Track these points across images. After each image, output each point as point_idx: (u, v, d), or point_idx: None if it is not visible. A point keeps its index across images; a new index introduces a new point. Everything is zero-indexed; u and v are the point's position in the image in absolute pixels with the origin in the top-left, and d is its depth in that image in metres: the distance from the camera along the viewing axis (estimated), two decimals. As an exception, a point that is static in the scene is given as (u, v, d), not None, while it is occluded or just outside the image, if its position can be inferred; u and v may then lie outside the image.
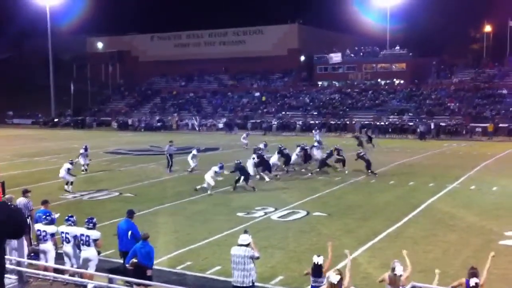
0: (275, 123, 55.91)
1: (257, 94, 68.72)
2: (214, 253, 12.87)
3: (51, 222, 11.16)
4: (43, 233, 10.99)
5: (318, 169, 24.99)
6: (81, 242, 10.58)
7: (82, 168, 25.58)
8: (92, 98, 77.44)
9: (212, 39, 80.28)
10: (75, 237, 10.71)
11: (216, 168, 20.56)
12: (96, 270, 10.34)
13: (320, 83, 70.47)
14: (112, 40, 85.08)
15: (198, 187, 20.39)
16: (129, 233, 10.66)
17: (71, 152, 30.99)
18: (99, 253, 10.80)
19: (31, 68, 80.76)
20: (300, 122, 56.01)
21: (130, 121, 63.46)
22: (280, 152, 25.61)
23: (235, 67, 74.61)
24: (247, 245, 9.12)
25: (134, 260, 10.04)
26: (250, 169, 22.36)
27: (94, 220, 10.91)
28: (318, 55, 70.68)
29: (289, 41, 74.39)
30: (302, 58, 75.20)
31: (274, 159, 24.93)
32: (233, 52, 75.74)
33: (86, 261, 10.53)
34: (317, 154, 27.04)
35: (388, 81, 66.93)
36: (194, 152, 26.11)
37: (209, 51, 78.13)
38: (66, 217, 11.14)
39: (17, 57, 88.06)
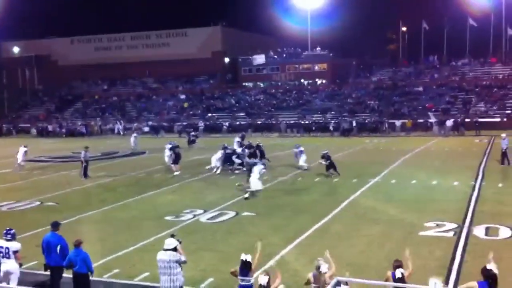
0: (202, 125, 55.79)
1: (183, 96, 68.26)
2: (141, 259, 12.66)
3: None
4: None
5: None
6: (0, 254, 10.09)
7: None
8: (9, 105, 74.08)
9: (135, 42, 78.94)
10: None
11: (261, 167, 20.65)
12: (19, 283, 9.90)
13: (245, 84, 71.04)
14: (29, 44, 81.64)
15: (246, 195, 19.69)
16: (58, 247, 10.26)
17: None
18: (20, 265, 10.35)
19: None
20: (227, 124, 56.20)
21: (50, 127, 61.21)
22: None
23: (159, 70, 73.73)
24: (173, 249, 9.04)
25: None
26: None
27: (13, 231, 10.41)
28: (243, 57, 71.23)
29: (213, 43, 74.46)
30: (227, 60, 75.49)
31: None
32: (157, 55, 74.89)
33: (7, 274, 10.05)
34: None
35: (310, 81, 68.57)
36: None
37: (132, 54, 76.78)
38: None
39: None
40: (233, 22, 76.75)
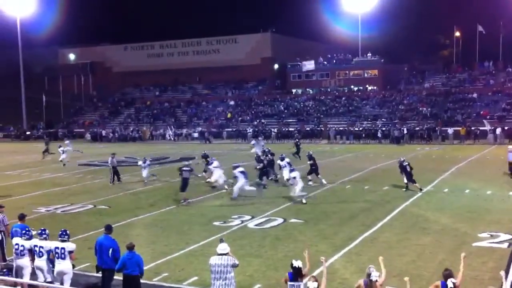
0: (250, 131, 56.03)
1: (232, 102, 68.80)
2: (190, 263, 12.78)
3: (30, 237, 10.97)
4: (21, 248, 10.79)
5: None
6: (56, 255, 10.41)
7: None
8: (65, 110, 76.56)
9: (186, 49, 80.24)
10: (49, 251, 10.53)
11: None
12: (71, 284, 10.18)
13: (294, 90, 70.95)
14: (85, 51, 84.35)
15: (304, 201, 19.89)
16: (110, 250, 10.49)
17: (43, 164, 30.54)
18: (73, 266, 10.64)
19: (1, 81, 79.51)
20: (276, 130, 56.24)
21: (103, 133, 62.85)
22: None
23: (209, 76, 74.69)
24: (227, 254, 9.09)
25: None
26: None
27: (68, 232, 10.78)
28: (292, 63, 71.19)
29: (262, 49, 74.81)
30: (276, 66, 75.65)
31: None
32: (207, 62, 75.87)
33: (61, 274, 10.35)
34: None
35: (360, 88, 67.77)
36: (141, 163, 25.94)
37: (183, 61, 78.05)
38: (39, 231, 10.97)
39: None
40: (282, 28, 77.04)
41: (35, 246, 10.68)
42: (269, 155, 25.74)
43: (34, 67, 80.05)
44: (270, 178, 24.65)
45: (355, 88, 68.17)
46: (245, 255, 13.09)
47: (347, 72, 69.75)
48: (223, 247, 9.15)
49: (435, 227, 15.70)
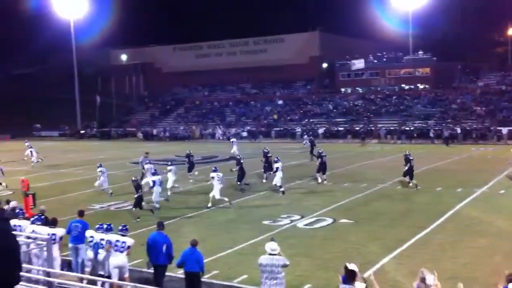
0: (299, 130, 55.81)
1: (280, 102, 68.77)
2: (240, 262, 12.86)
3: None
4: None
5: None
6: (115, 248, 10.73)
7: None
8: (117, 110, 78.41)
9: (233, 49, 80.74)
10: (110, 243, 10.87)
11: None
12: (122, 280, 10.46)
13: (343, 89, 70.25)
14: (135, 52, 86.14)
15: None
16: (164, 246, 10.70)
17: (97, 163, 31.17)
18: None
19: (57, 82, 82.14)
20: (323, 129, 55.80)
21: (154, 132, 64.03)
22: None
23: (257, 76, 74.85)
24: (277, 254, 9.07)
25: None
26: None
27: (127, 227, 11.17)
28: (340, 62, 70.47)
29: (310, 48, 74.44)
30: (324, 65, 75.11)
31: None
32: (254, 61, 76.05)
33: (118, 267, 10.66)
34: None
35: (412, 86, 66.42)
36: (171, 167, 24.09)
37: (231, 61, 78.55)
38: (99, 225, 11.34)
39: (43, 71, 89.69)
40: (331, 26, 76.28)
41: (101, 239, 11.04)
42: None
43: (87, 69, 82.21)
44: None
45: (406, 87, 66.88)
46: (294, 254, 13.04)
47: (397, 70, 68.47)
48: (273, 247, 9.13)
49: (490, 230, 15.23)
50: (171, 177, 22.51)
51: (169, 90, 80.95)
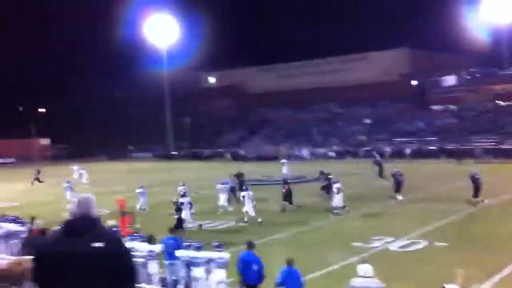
0: (389, 150, 54.45)
1: (368, 121, 67.62)
2: (330, 284, 12.60)
3: (199, 248, 11.65)
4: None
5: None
6: (215, 265, 10.96)
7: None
8: (206, 131, 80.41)
9: (319, 69, 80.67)
10: (208, 261, 11.11)
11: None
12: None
13: (434, 107, 67.91)
14: (223, 74, 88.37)
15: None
16: (255, 266, 10.74)
17: (186, 182, 31.96)
18: None
19: (150, 105, 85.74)
20: (409, 150, 53.95)
21: (242, 152, 64.96)
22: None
23: (343, 95, 74.15)
24: (371, 277, 8.78)
25: None
26: None
27: (222, 243, 11.41)
28: (431, 79, 68.29)
29: (398, 65, 72.88)
30: (414, 82, 73.10)
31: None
32: (340, 80, 75.56)
33: (219, 283, 10.84)
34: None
35: (509, 103, 62.97)
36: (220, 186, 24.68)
37: (317, 80, 78.48)
38: (215, 243, 11.63)
39: (137, 94, 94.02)
40: (419, 42, 74.27)
41: (193, 257, 11.32)
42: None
43: (178, 91, 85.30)
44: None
45: (503, 103, 63.54)
46: (387, 278, 12.54)
47: (492, 86, 65.31)
48: (366, 269, 8.84)
49: None
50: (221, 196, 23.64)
51: (256, 110, 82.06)
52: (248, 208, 20.78)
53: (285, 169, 34.63)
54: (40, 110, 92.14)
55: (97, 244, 3.72)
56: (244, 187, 22.51)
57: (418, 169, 40.16)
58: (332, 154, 57.63)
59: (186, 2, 79.22)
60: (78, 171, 42.64)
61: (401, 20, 79.39)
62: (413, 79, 72.79)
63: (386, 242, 16.49)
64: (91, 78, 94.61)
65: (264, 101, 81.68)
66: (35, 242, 12.44)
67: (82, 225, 3.82)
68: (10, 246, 15.76)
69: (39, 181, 40.26)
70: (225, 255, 11.15)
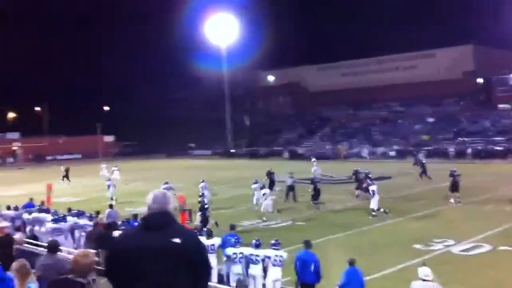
0: (452, 150, 52.82)
1: (431, 120, 65.89)
2: (389, 286, 12.37)
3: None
4: (239, 256, 11.67)
5: None
6: (273, 263, 11.03)
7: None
8: (265, 129, 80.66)
9: (381, 66, 79.19)
10: (265, 258, 11.20)
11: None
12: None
13: (500, 106, 65.31)
14: (283, 72, 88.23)
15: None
16: (312, 265, 10.72)
17: (242, 180, 32.28)
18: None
19: (209, 103, 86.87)
20: (476, 148, 52.12)
21: (300, 151, 64.73)
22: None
23: (405, 93, 72.49)
24: (431, 280, 8.58)
25: None
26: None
27: (279, 241, 11.58)
28: (497, 76, 65.74)
29: (463, 63, 70.46)
30: (479, 80, 70.55)
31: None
32: (403, 78, 73.91)
33: (275, 281, 10.92)
34: None
35: None
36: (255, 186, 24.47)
37: (378, 78, 77.06)
38: (255, 241, 11.70)
39: (197, 93, 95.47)
40: (486, 39, 71.52)
41: (251, 254, 11.43)
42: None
43: (237, 90, 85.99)
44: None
45: None
46: (448, 282, 12.23)
47: None
48: (427, 272, 8.64)
49: None
50: (256, 194, 23.70)
51: (315, 109, 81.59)
52: (265, 204, 21.69)
53: (314, 168, 34.27)
54: (105, 108, 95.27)
55: (175, 240, 3.73)
56: (254, 180, 23.89)
57: (484, 170, 38.84)
58: (393, 153, 56.47)
59: (247, 1, 79.58)
60: (105, 169, 43.24)
61: (465, 16, 76.75)
62: (478, 77, 70.24)
63: (448, 245, 16.04)
64: (153, 77, 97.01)
65: (323, 100, 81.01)
66: (107, 236, 12.89)
67: (160, 220, 3.82)
68: (76, 239, 16.44)
69: (68, 179, 40.50)
70: (282, 253, 11.20)
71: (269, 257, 11.13)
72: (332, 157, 59.63)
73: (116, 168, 40.10)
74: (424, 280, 8.56)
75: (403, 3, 78.19)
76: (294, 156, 63.32)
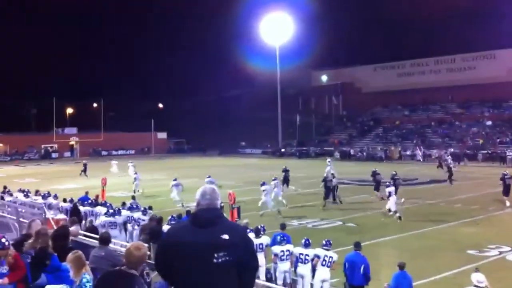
0: (510, 154, 50.95)
1: (489, 123, 63.82)
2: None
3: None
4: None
5: None
6: (323, 263, 11.01)
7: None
8: (316, 130, 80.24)
9: (438, 67, 77.27)
10: (314, 258, 11.18)
11: None
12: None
13: None
14: (335, 72, 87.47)
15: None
16: (362, 267, 10.61)
17: (292, 179, 32.13)
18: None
19: (261, 102, 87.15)
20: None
21: (352, 151, 64.01)
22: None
23: (463, 95, 70.50)
24: (485, 286, 8.33)
25: None
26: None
27: (331, 241, 11.53)
28: None
29: (526, 64, 67.81)
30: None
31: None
32: (461, 79, 71.86)
33: (323, 281, 10.88)
34: None
35: None
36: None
37: (435, 79, 75.25)
38: (304, 240, 11.69)
39: (249, 92, 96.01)
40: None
41: (301, 254, 11.46)
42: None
43: (289, 89, 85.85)
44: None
45: None
46: (504, 290, 11.87)
47: None
48: (480, 278, 8.40)
49: None
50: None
51: (368, 109, 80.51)
52: (267, 200, 22.71)
53: (328, 168, 33.94)
54: (159, 105, 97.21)
55: (223, 236, 3.79)
56: (261, 182, 23.94)
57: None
58: (448, 156, 54.96)
59: (302, 0, 79.20)
60: (115, 165, 45.07)
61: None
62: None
63: (503, 252, 15.50)
64: (206, 76, 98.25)
65: (377, 100, 79.83)
66: (159, 231, 13.19)
67: (209, 216, 3.89)
68: (129, 233, 16.86)
69: (85, 174, 42.60)
70: (333, 254, 11.15)
71: (318, 257, 11.10)
72: (384, 158, 58.67)
73: (131, 164, 40.67)
74: (477, 286, 8.33)
75: (463, 2, 75.87)
76: (345, 156, 62.67)
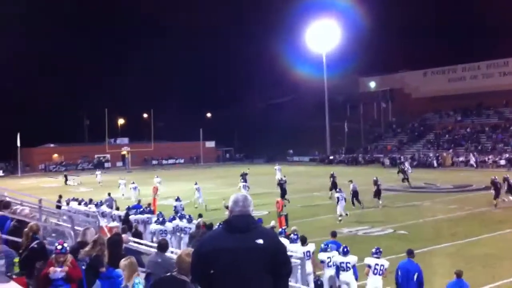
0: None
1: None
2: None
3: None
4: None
5: None
6: (375, 271, 10.88)
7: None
8: (365, 136, 79.27)
9: (490, 70, 75.03)
10: (369, 266, 11.07)
11: None
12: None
13: None
14: (384, 78, 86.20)
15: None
16: (415, 275, 10.39)
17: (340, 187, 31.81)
18: None
19: (308, 110, 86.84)
20: None
21: (402, 158, 62.76)
22: None
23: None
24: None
25: None
26: None
27: (381, 249, 11.33)
28: None
29: None
30: None
31: None
32: (516, 83, 69.51)
33: None
34: None
35: None
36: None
37: (488, 83, 73.07)
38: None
39: (296, 99, 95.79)
40: None
41: (341, 262, 11.38)
42: None
43: (336, 97, 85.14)
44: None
45: None
46: None
47: None
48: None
49: None
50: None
51: (418, 115, 78.91)
52: (340, 208, 22.63)
53: (278, 174, 34.16)
54: (207, 114, 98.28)
55: (258, 241, 3.85)
56: (338, 189, 25.21)
57: None
58: (503, 162, 53.21)
59: (349, 7, 78.50)
60: (123, 185, 39.14)
61: None
62: None
63: None
64: (252, 83, 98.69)
65: (428, 106, 78.13)
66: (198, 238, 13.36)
67: (242, 222, 3.95)
68: (177, 241, 17.13)
69: (66, 183, 48.55)
70: (384, 262, 10.95)
71: (369, 266, 10.95)
72: (436, 165, 57.31)
73: (133, 186, 36.29)
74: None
75: (515, 3, 73.46)
76: (395, 163, 61.51)
